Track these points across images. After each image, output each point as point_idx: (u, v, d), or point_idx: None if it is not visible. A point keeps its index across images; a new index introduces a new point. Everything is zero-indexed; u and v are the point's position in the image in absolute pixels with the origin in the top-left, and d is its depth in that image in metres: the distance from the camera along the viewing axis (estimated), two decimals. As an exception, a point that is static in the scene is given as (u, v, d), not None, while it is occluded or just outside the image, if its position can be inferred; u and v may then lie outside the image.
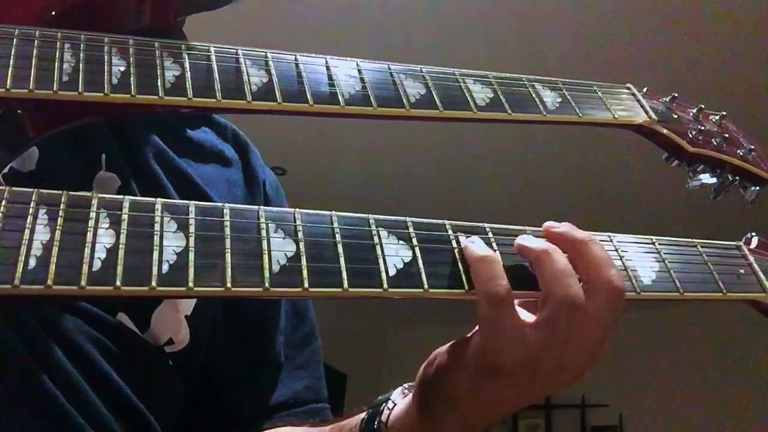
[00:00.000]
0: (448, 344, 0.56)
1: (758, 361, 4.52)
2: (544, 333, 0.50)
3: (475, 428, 0.54)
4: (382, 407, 0.61)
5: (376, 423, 0.59)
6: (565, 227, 0.55)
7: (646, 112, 0.74)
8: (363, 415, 0.62)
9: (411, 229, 0.53)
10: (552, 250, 0.52)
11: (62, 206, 0.44)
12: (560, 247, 0.53)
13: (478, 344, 0.51)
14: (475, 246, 0.52)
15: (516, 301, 0.52)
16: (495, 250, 0.53)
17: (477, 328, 0.52)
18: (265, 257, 0.47)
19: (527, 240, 0.53)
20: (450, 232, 0.54)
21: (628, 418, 5.06)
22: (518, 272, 0.52)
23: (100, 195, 0.46)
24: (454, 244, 0.53)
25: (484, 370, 0.51)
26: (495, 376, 0.51)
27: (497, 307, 0.49)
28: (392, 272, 0.50)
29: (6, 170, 0.56)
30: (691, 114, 0.80)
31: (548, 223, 0.55)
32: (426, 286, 0.50)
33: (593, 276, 0.52)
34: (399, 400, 0.60)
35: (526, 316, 0.52)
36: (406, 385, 0.61)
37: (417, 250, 0.52)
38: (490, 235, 0.54)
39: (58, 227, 0.43)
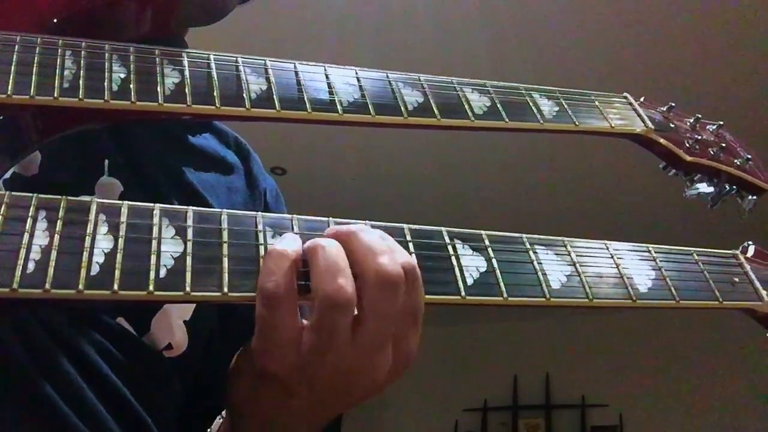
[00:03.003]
0: (238, 352, 0.53)
1: (758, 362, 4.51)
2: (312, 336, 0.46)
3: None
4: (217, 418, 0.60)
5: None
6: (342, 224, 0.50)
7: (643, 122, 0.74)
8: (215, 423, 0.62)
9: (408, 236, 0.53)
10: (324, 244, 0.47)
11: (61, 211, 0.45)
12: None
13: (253, 346, 0.48)
14: (276, 240, 0.48)
15: None
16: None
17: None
18: (262, 263, 0.47)
19: (311, 240, 0.49)
20: (447, 239, 0.55)
21: (628, 418, 5.05)
22: None
23: (99, 200, 0.46)
24: (451, 251, 0.54)
25: (260, 374, 0.48)
26: (270, 382, 0.48)
27: (268, 305, 0.45)
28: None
29: (8, 174, 0.56)
30: (689, 123, 0.80)
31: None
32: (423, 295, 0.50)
33: (361, 266, 0.47)
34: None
35: None
36: None
37: (414, 257, 0.52)
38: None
39: (57, 231, 0.43)
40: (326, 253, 0.47)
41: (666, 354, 4.97)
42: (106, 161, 0.63)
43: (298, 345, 0.46)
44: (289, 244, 0.47)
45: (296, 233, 0.50)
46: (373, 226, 0.52)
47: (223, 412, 0.60)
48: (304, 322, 0.47)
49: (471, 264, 0.53)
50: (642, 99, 0.78)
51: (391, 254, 0.48)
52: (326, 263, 0.46)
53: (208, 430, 0.61)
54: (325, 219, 0.52)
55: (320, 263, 0.46)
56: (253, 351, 0.48)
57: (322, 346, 0.46)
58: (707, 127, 0.82)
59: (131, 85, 0.54)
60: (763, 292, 0.64)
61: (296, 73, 0.61)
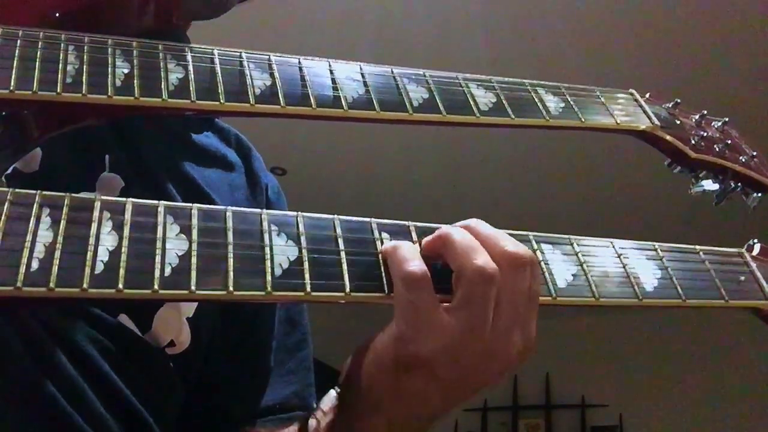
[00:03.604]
0: (366, 340, 0.54)
1: (758, 362, 4.51)
2: (463, 313, 0.48)
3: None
4: (309, 416, 0.59)
5: None
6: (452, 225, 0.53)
7: (649, 118, 0.74)
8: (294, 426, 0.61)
9: (414, 234, 0.53)
10: (452, 231, 0.51)
11: (65, 208, 0.44)
12: None
13: (395, 334, 0.49)
14: (390, 242, 0.51)
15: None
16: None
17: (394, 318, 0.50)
18: (268, 261, 0.47)
19: (433, 233, 0.52)
20: None
21: (628, 418, 5.05)
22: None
23: (103, 197, 0.46)
24: None
25: (404, 361, 0.49)
26: (415, 367, 0.49)
27: (413, 288, 0.48)
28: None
29: (9, 171, 0.56)
30: (694, 120, 0.80)
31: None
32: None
33: (492, 250, 0.50)
34: (328, 407, 0.57)
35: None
36: (337, 389, 0.57)
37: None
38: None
39: (60, 230, 0.43)
40: (460, 235, 0.51)
41: (666, 354, 4.96)
42: (107, 157, 0.62)
43: (444, 326, 0.48)
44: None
45: (301, 232, 0.50)
46: (378, 224, 0.52)
47: (317, 413, 0.58)
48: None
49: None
50: (647, 95, 0.78)
51: (513, 241, 0.51)
52: (465, 244, 0.50)
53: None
54: (330, 217, 0.52)
55: (458, 245, 0.50)
56: (398, 340, 0.49)
57: (474, 322, 0.48)
58: (713, 124, 0.81)
59: (135, 81, 0.54)
60: (769, 291, 0.64)
61: (300, 68, 0.61)
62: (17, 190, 0.44)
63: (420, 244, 0.52)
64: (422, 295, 0.48)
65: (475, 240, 0.51)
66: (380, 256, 0.51)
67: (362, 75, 0.63)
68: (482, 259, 0.49)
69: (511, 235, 0.55)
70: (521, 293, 0.50)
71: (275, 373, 0.73)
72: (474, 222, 0.53)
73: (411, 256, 0.49)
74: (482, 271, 0.48)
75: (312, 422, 0.57)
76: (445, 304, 0.49)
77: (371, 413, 0.52)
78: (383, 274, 0.50)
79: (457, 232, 0.51)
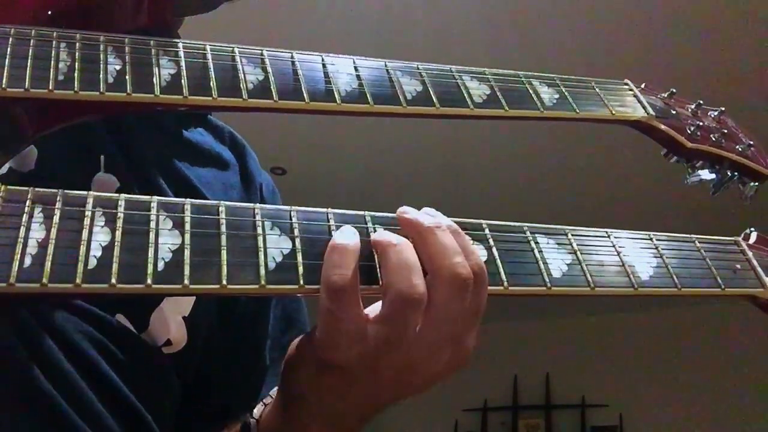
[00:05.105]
0: (297, 338, 0.54)
1: (758, 361, 4.50)
2: (383, 329, 0.47)
3: (333, 428, 0.52)
4: (258, 405, 0.60)
5: (249, 420, 0.59)
6: (414, 214, 0.51)
7: (644, 108, 0.74)
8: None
9: (407, 226, 0.53)
10: (398, 242, 0.49)
11: (58, 204, 0.44)
12: (409, 235, 0.50)
13: (316, 337, 0.49)
14: (337, 234, 0.49)
15: None
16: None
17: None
18: (261, 254, 0.47)
19: (378, 234, 0.50)
20: None
21: (628, 418, 5.04)
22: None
23: (95, 193, 0.46)
24: None
25: (323, 364, 0.49)
26: (333, 372, 0.49)
27: (334, 297, 0.46)
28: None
29: (5, 170, 0.56)
30: (690, 109, 0.80)
31: (402, 209, 0.51)
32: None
33: (435, 265, 0.48)
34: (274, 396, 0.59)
35: (374, 312, 0.49)
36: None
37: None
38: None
39: (53, 225, 0.43)
40: (399, 250, 0.48)
41: (666, 354, 4.95)
42: (102, 157, 0.62)
43: (363, 336, 0.47)
44: (350, 237, 0.49)
45: (294, 225, 0.50)
46: (372, 217, 0.52)
47: (266, 399, 0.60)
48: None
49: (471, 254, 0.53)
50: (643, 85, 0.78)
51: (463, 255, 0.49)
52: (399, 260, 0.48)
53: (251, 416, 0.61)
54: (323, 210, 0.52)
55: (392, 260, 0.48)
56: (316, 343, 0.49)
57: (391, 339, 0.47)
58: (709, 113, 0.81)
59: (127, 77, 0.54)
60: (766, 279, 0.63)
61: (293, 62, 0.61)
62: (10, 186, 0.44)
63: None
64: (343, 305, 0.46)
65: (411, 256, 0.48)
66: (373, 248, 0.50)
67: (355, 68, 0.63)
68: (410, 281, 0.47)
69: (503, 227, 0.55)
70: (458, 311, 0.48)
71: (270, 372, 0.73)
72: (432, 227, 0.50)
73: (340, 262, 0.47)
74: (406, 296, 0.47)
75: (258, 407, 0.58)
76: (368, 311, 0.48)
77: (296, 403, 0.53)
78: (377, 267, 0.50)
79: (394, 246, 0.48)
